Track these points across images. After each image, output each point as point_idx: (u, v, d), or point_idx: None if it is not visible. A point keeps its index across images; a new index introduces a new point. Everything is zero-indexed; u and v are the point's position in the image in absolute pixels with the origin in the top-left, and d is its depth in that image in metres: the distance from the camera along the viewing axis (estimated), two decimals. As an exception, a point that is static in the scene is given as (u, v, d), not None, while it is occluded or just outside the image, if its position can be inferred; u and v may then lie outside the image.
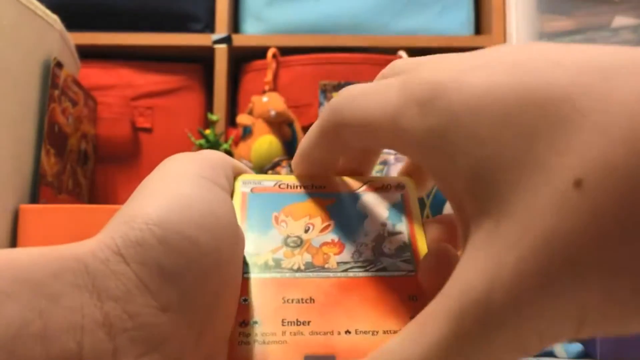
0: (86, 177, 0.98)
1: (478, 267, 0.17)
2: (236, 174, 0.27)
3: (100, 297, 0.19)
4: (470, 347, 0.17)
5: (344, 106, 0.23)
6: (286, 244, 0.25)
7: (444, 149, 0.19)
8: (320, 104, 1.09)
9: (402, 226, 0.26)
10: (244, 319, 0.23)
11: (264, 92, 1.12)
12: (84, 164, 0.97)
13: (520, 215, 0.16)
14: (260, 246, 0.25)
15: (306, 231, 0.25)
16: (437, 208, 0.84)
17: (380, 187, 0.27)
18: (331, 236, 0.25)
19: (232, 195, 0.26)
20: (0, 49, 0.70)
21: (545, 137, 0.16)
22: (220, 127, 1.14)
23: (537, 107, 0.17)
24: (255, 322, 0.23)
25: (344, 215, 0.26)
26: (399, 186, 0.27)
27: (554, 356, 0.70)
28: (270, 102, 1.05)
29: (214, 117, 1.13)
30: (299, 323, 0.23)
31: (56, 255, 0.19)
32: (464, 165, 0.18)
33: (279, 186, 0.27)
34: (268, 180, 0.27)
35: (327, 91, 1.09)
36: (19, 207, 0.71)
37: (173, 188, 0.22)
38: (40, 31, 0.79)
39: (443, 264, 0.23)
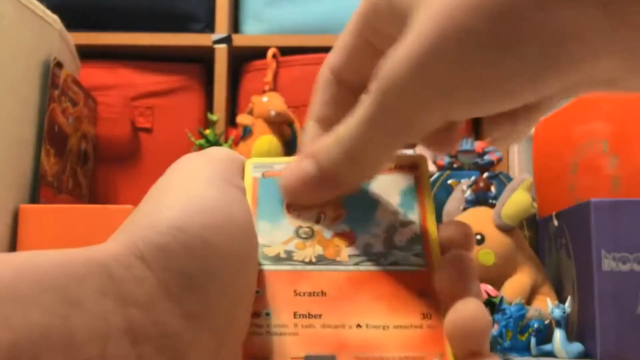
0: (86, 177, 0.98)
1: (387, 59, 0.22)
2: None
3: (124, 303, 0.18)
4: (380, 109, 0.22)
5: (331, 53, 0.27)
6: (298, 235, 0.25)
7: None
8: (320, 104, 1.09)
9: (414, 215, 0.25)
10: (256, 311, 0.23)
11: (264, 92, 1.12)
12: (84, 164, 0.97)
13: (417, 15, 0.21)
14: (272, 237, 0.25)
15: (317, 221, 0.25)
16: (437, 208, 0.84)
17: (394, 168, 0.26)
18: (342, 226, 0.25)
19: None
20: (0, 49, 0.70)
21: None
22: (220, 127, 1.14)
23: None
24: (267, 314, 0.23)
25: (356, 201, 0.26)
26: (413, 166, 0.27)
27: (554, 356, 0.70)
28: (270, 102, 1.05)
29: (214, 117, 1.13)
30: (310, 316, 0.23)
31: (80, 259, 0.18)
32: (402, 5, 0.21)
33: None
34: (279, 164, 0.26)
35: (327, 91, 1.09)
36: (19, 207, 0.71)
37: (192, 191, 0.22)
38: (40, 31, 0.79)
39: (458, 272, 0.23)
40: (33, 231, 0.69)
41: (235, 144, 1.09)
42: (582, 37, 0.18)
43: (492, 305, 0.74)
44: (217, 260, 0.20)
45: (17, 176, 0.73)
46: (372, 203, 0.26)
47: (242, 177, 0.25)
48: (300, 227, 0.25)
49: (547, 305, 0.73)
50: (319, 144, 0.25)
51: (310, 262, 0.24)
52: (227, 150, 0.26)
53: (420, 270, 0.24)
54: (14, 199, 0.72)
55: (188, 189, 0.22)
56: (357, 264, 0.24)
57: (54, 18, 0.83)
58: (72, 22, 0.90)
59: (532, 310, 0.73)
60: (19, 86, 0.74)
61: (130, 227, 0.21)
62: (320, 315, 0.23)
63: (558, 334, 0.69)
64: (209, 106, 1.19)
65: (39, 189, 0.77)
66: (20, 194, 0.74)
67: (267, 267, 0.24)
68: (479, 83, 0.20)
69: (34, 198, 0.76)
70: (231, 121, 1.17)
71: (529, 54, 0.19)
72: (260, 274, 0.24)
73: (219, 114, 1.15)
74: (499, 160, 0.91)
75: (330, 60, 0.28)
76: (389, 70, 0.22)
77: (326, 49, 1.10)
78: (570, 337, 0.71)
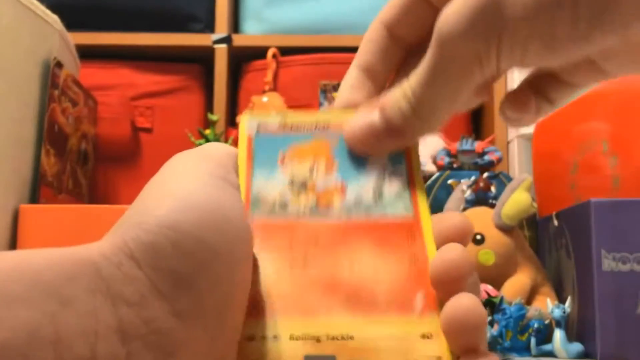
0: (86, 177, 0.98)
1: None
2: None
3: (114, 301, 0.18)
4: (440, 58, 0.24)
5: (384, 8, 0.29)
6: (292, 186, 0.26)
7: None
8: (321, 104, 1.08)
9: (402, 168, 0.27)
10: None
11: (264, 92, 1.12)
12: (84, 164, 0.97)
13: None
14: (266, 188, 0.26)
15: (311, 173, 0.26)
16: (437, 208, 0.84)
17: None
18: (334, 179, 0.26)
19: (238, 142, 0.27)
20: (0, 49, 0.70)
21: None
22: (220, 127, 1.14)
23: None
24: (262, 265, 0.24)
25: (347, 156, 0.27)
26: None
27: (554, 356, 0.70)
28: (270, 102, 1.05)
29: (214, 117, 1.13)
30: (304, 265, 0.24)
31: (71, 258, 0.18)
32: None
33: (284, 126, 0.27)
34: (273, 119, 0.28)
35: (327, 91, 1.09)
36: (19, 207, 0.71)
37: (184, 188, 0.21)
38: (40, 31, 0.79)
39: (453, 266, 0.23)
40: (33, 231, 0.69)
41: (235, 144, 1.09)
42: None
43: (492, 305, 0.74)
44: (208, 258, 0.20)
45: (17, 176, 0.73)
46: (362, 156, 0.27)
47: (235, 172, 0.26)
48: (294, 178, 0.26)
49: (547, 305, 0.73)
50: (387, 96, 0.26)
51: (304, 214, 0.25)
52: (222, 145, 0.26)
53: (406, 218, 0.25)
54: (14, 199, 0.72)
55: (179, 186, 0.22)
56: (348, 213, 0.25)
57: (54, 18, 0.83)
58: (72, 22, 0.89)
59: (532, 310, 0.73)
60: (19, 86, 0.74)
61: (121, 226, 0.20)
62: (314, 264, 0.24)
63: (558, 334, 0.69)
64: (209, 106, 1.19)
65: (39, 189, 0.77)
66: (20, 194, 0.74)
67: (261, 217, 0.25)
68: (547, 27, 0.22)
69: (34, 198, 0.76)
70: (231, 121, 1.17)
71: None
72: (256, 225, 0.24)
73: (219, 114, 1.15)
74: (499, 160, 0.91)
75: (384, 13, 0.29)
76: (446, 19, 0.24)
77: (326, 49, 1.10)
78: (570, 337, 0.71)
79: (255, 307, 0.23)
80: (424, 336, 0.22)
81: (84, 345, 0.17)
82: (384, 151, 0.27)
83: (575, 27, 0.22)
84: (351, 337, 0.22)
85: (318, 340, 0.22)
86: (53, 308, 0.17)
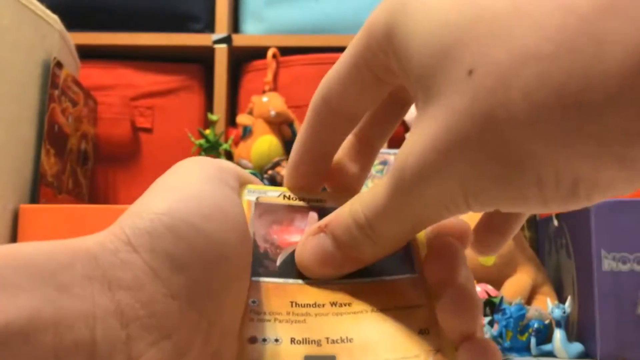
0: (86, 177, 0.98)
1: (408, 142, 0.21)
2: (242, 182, 0.27)
3: (111, 286, 0.19)
4: (403, 200, 0.22)
5: (325, 82, 0.26)
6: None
7: (400, 53, 0.22)
8: (320, 104, 1.09)
9: None
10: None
11: (264, 92, 1.12)
12: (84, 164, 0.97)
13: (438, 100, 0.20)
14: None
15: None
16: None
17: None
18: None
19: None
20: (0, 49, 0.70)
21: (456, 52, 0.19)
22: (220, 127, 1.14)
23: (456, 32, 0.20)
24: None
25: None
26: None
27: (554, 356, 0.70)
28: (270, 102, 1.05)
29: (214, 117, 1.13)
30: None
31: (65, 247, 0.19)
32: (411, 66, 0.21)
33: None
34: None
35: (327, 91, 1.09)
36: (19, 207, 0.71)
37: (181, 184, 0.22)
38: (40, 31, 0.79)
39: (445, 258, 0.24)
40: (33, 231, 0.69)
41: (235, 144, 1.09)
42: None
43: (492, 305, 0.74)
44: (202, 244, 0.20)
45: (17, 176, 0.73)
46: None
47: (237, 182, 0.26)
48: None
49: (547, 305, 0.73)
50: (336, 220, 0.24)
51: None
52: (226, 160, 0.26)
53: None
54: (14, 199, 0.72)
55: (175, 183, 0.22)
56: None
57: (54, 18, 0.83)
58: (72, 22, 0.90)
59: (532, 310, 0.73)
60: (19, 86, 0.74)
61: (119, 219, 0.21)
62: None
63: (558, 334, 0.69)
64: (209, 106, 1.19)
65: (39, 189, 0.77)
66: (20, 194, 0.74)
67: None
68: (512, 174, 0.19)
69: (34, 198, 0.76)
70: (231, 121, 1.17)
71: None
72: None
73: (219, 114, 1.15)
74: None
75: (324, 88, 0.27)
76: (411, 160, 0.21)
77: (326, 49, 1.10)
78: (570, 337, 0.71)
79: (256, 311, 0.23)
80: (421, 332, 0.23)
81: (84, 328, 0.18)
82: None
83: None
84: (351, 340, 0.23)
85: (319, 344, 0.22)
86: (51, 294, 0.18)
